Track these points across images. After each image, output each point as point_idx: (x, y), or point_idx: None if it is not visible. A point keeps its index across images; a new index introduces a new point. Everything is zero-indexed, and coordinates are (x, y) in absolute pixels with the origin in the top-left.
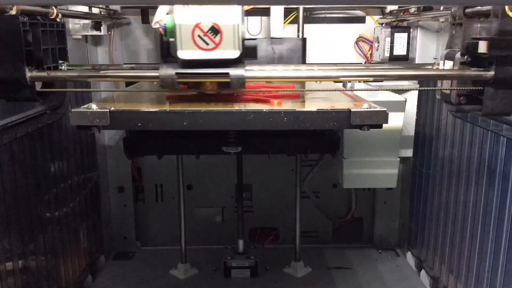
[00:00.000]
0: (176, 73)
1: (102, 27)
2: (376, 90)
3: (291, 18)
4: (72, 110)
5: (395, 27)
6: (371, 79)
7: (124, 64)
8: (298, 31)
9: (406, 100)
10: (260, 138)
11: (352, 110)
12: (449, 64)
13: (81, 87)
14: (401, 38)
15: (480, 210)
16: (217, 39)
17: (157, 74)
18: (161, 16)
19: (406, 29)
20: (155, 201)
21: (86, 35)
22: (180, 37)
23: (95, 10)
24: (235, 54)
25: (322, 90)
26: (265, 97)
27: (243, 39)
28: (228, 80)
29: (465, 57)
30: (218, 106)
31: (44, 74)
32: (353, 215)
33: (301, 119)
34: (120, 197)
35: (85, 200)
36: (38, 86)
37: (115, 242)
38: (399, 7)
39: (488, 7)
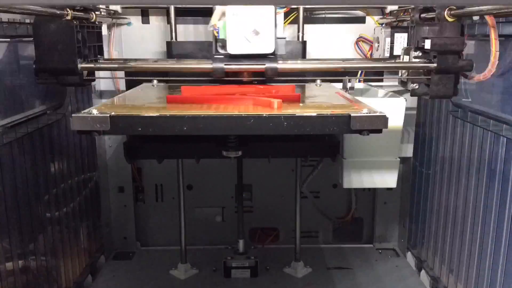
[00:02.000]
0: (225, 64)
1: (102, 27)
2: (376, 89)
3: (291, 18)
4: (72, 115)
5: (395, 27)
6: (342, 69)
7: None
8: (298, 31)
9: (406, 100)
10: (260, 142)
11: (352, 115)
12: (406, 58)
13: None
14: (401, 38)
15: (480, 210)
16: (257, 38)
17: (210, 66)
18: (215, 21)
19: (406, 29)
20: (155, 201)
21: None
22: (230, 37)
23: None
24: (270, 50)
25: (319, 77)
26: (266, 96)
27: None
28: (264, 70)
29: (417, 52)
30: (218, 111)
31: (91, 65)
32: (353, 215)
33: (301, 124)
34: (120, 197)
35: (85, 200)
36: (84, 75)
37: (115, 242)
38: (399, 7)
39: (433, 14)
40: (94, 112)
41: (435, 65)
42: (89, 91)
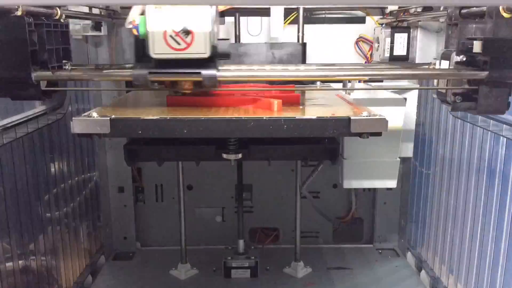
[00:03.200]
0: (149, 72)
1: (102, 28)
2: (376, 89)
3: (291, 19)
4: (73, 118)
5: (395, 28)
6: (367, 78)
7: (126, 64)
8: (298, 31)
9: (406, 100)
10: (260, 145)
11: (351, 118)
12: (445, 63)
13: (82, 87)
14: (401, 39)
15: (480, 210)
16: (188, 39)
17: (130, 73)
18: (134, 17)
19: (406, 29)
20: (155, 201)
21: (87, 36)
22: (153, 37)
23: (95, 11)
24: (205, 54)
25: (317, 89)
26: (266, 96)
27: (216, 40)
28: (201, 79)
29: (461, 57)
30: (218, 114)
31: (49, 73)
32: (353, 215)
33: (301, 127)
34: (120, 197)
35: (85, 200)
36: (42, 85)
37: (115, 242)
38: (399, 8)
39: (483, 8)
40: (95, 115)
41: (486, 73)
42: (90, 91)
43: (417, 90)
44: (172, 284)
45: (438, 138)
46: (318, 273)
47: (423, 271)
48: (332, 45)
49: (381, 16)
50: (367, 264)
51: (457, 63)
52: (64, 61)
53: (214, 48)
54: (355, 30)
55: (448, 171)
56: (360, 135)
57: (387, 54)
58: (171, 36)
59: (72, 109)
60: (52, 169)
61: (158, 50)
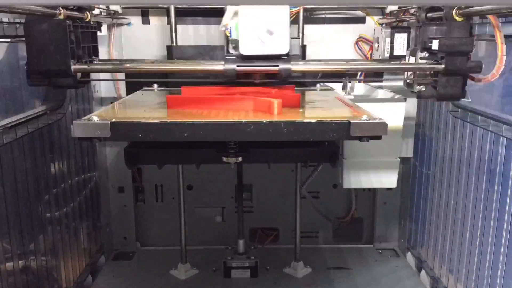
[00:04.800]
0: (237, 66)
1: (102, 28)
2: (375, 90)
3: (291, 19)
4: (73, 122)
5: (395, 28)
6: (344, 71)
7: (144, 59)
8: (298, 31)
9: (406, 100)
10: (260, 148)
11: (351, 121)
12: (412, 59)
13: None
14: (401, 39)
15: (480, 210)
16: (271, 38)
17: (222, 67)
18: (228, 21)
19: (406, 29)
20: (155, 202)
21: None
22: (243, 37)
23: (95, 11)
24: (285, 50)
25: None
26: (265, 97)
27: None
28: (277, 72)
29: (424, 53)
30: (218, 117)
31: (85, 66)
32: (353, 215)
33: (301, 130)
34: (120, 197)
35: (85, 200)
36: (78, 76)
37: (115, 242)
38: (399, 8)
39: (441, 13)
40: (95, 118)
41: (443, 66)
42: (90, 91)
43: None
44: (172, 284)
45: (438, 138)
46: (318, 273)
47: (423, 271)
48: (332, 45)
49: (381, 16)
50: (367, 264)
51: (421, 58)
52: (93, 57)
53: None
54: (355, 30)
55: (448, 171)
56: (360, 138)
57: (387, 54)
58: (258, 36)
59: (72, 109)
60: (52, 169)
61: (247, 48)
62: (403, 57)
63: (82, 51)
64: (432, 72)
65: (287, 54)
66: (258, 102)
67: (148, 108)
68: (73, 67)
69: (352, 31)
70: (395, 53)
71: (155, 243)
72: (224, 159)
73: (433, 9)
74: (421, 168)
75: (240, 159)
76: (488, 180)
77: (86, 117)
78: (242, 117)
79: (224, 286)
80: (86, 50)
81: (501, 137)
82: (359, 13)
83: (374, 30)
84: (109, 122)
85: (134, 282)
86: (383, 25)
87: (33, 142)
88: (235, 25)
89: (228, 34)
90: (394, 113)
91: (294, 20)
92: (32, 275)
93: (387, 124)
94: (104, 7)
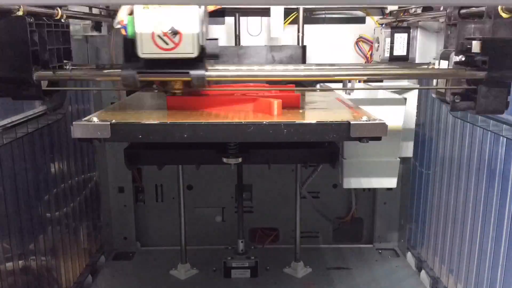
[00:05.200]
0: (138, 72)
1: (102, 28)
2: (376, 89)
3: (291, 19)
4: (73, 123)
5: (395, 28)
6: (366, 78)
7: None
8: (298, 31)
9: (406, 100)
10: (260, 149)
11: (351, 122)
12: (444, 63)
13: (82, 86)
14: (401, 39)
15: (480, 210)
16: (176, 39)
17: (118, 73)
18: (123, 17)
19: (406, 29)
20: (155, 202)
21: (87, 36)
22: (141, 37)
23: (95, 11)
24: (193, 54)
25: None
26: (266, 96)
27: (205, 40)
28: (190, 79)
29: (460, 56)
30: (218, 118)
31: (50, 73)
32: (353, 215)
33: (301, 131)
34: (120, 197)
35: (85, 200)
36: (43, 85)
37: (115, 242)
38: (399, 8)
39: (482, 8)
40: (95, 119)
41: (485, 73)
42: (90, 91)
43: (417, 90)
44: (172, 284)
45: (438, 138)
46: (318, 273)
47: (423, 271)
48: (332, 45)
49: (381, 16)
50: (367, 264)
51: (456, 63)
52: (65, 61)
53: (202, 48)
54: (355, 30)
55: (448, 171)
56: (359, 139)
57: (387, 54)
58: (159, 36)
59: (72, 109)
60: (52, 169)
61: (146, 50)
62: (403, 57)
63: (50, 55)
64: (470, 80)
65: (200, 58)
66: (258, 102)
67: (148, 109)
68: (35, 74)
69: (352, 31)
70: (395, 53)
71: (155, 243)
72: (224, 160)
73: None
74: (421, 168)
75: (240, 160)
76: (488, 180)
77: (86, 118)
78: (242, 118)
79: (224, 286)
80: (55, 53)
81: (501, 137)
82: (359, 13)
83: (374, 30)
84: (109, 123)
85: (134, 282)
86: (383, 25)
87: (33, 142)
88: (130, 20)
89: (124, 33)
90: (394, 113)
91: (294, 20)
92: (32, 275)
93: (387, 125)
94: (104, 7)
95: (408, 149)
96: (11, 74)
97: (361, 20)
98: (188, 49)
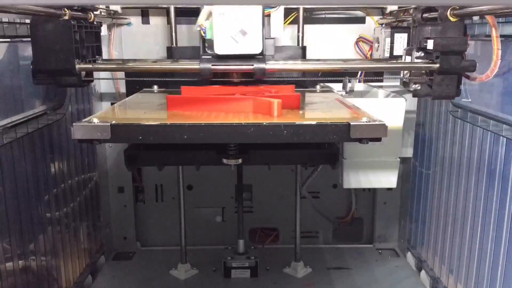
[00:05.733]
0: (212, 65)
1: (102, 28)
2: (376, 90)
3: (291, 19)
4: (73, 124)
5: (395, 28)
6: (343, 70)
7: (147, 59)
8: (298, 31)
9: (406, 100)
10: (260, 150)
11: (351, 123)
12: (408, 58)
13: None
14: (401, 39)
15: (480, 210)
16: (245, 38)
17: (197, 66)
18: (202, 21)
19: (406, 29)
20: (155, 201)
21: None
22: (217, 38)
23: (96, 11)
24: (258, 50)
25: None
26: (265, 96)
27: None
28: (252, 71)
29: (419, 52)
30: (218, 119)
31: (89, 65)
32: (353, 215)
33: (301, 132)
34: (120, 197)
35: (85, 200)
36: (82, 75)
37: (115, 242)
38: (399, 8)
39: (436, 14)
40: (95, 120)
41: (437, 65)
42: (89, 91)
43: None
44: (172, 284)
45: (438, 138)
46: (318, 273)
47: (423, 271)
48: (332, 45)
49: (381, 16)
50: (367, 264)
51: (416, 57)
52: (97, 56)
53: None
54: (355, 30)
55: (448, 171)
56: (359, 140)
57: (387, 54)
58: (231, 36)
59: (72, 109)
60: (52, 169)
61: (221, 47)
62: (402, 57)
63: (86, 51)
64: (427, 71)
65: (262, 54)
66: (258, 102)
67: (148, 109)
68: (77, 66)
69: (352, 31)
70: (395, 53)
71: (155, 243)
72: (224, 161)
73: (429, 9)
74: (421, 168)
75: (240, 161)
76: (488, 180)
77: (86, 119)
78: (242, 119)
79: (224, 286)
80: (90, 49)
81: (501, 137)
82: (359, 13)
83: (374, 30)
84: (109, 124)
85: (134, 282)
86: (383, 25)
87: (33, 142)
88: (210, 25)
89: (203, 34)
90: (394, 113)
91: (294, 20)
92: (32, 275)
93: (387, 126)
94: (104, 7)
95: (408, 149)
96: (58, 66)
97: (361, 20)
98: (254, 46)
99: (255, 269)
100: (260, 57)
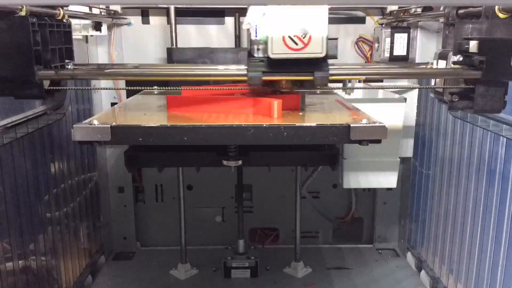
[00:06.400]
0: (263, 72)
1: (102, 28)
2: (376, 89)
3: None
4: (74, 126)
5: (395, 28)
6: (364, 77)
7: (127, 63)
8: None
9: (406, 100)
10: (260, 151)
11: (351, 125)
12: (442, 63)
13: (82, 86)
14: (401, 39)
15: (480, 210)
16: (305, 39)
17: (245, 73)
18: (252, 18)
19: (406, 29)
20: (155, 202)
21: (87, 36)
22: (272, 39)
23: (95, 11)
24: (322, 53)
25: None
26: (266, 97)
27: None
28: (312, 78)
29: (457, 56)
30: (218, 120)
31: (52, 72)
32: (353, 215)
33: (301, 134)
34: (120, 197)
35: (85, 200)
36: (45, 84)
37: (115, 242)
38: (399, 8)
39: (480, 9)
40: (95, 122)
41: (482, 72)
42: (90, 91)
43: (417, 90)
44: (172, 284)
45: (438, 138)
46: (318, 273)
47: (423, 271)
48: None
49: (381, 16)
50: (367, 264)
51: (454, 62)
52: (66, 61)
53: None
54: (355, 30)
55: (448, 171)
56: (359, 142)
57: (387, 54)
58: (289, 37)
59: (72, 109)
60: (52, 169)
61: (276, 50)
62: (403, 57)
63: (52, 54)
64: (467, 79)
65: (324, 58)
66: (258, 102)
67: (148, 111)
68: (37, 73)
69: (352, 31)
70: (395, 53)
71: (155, 243)
72: (224, 162)
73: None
74: (421, 168)
75: (240, 162)
76: (488, 180)
77: (86, 121)
78: (242, 120)
79: (224, 286)
80: (57, 53)
81: (501, 137)
82: (359, 13)
83: (374, 30)
84: (109, 126)
85: (134, 282)
86: (383, 25)
87: (33, 142)
88: (262, 24)
89: (254, 34)
90: (394, 113)
91: None
92: (32, 275)
93: (387, 128)
94: (104, 7)
95: (408, 149)
96: (14, 73)
97: (361, 20)
98: (316, 49)
99: (255, 269)
100: (321, 61)
